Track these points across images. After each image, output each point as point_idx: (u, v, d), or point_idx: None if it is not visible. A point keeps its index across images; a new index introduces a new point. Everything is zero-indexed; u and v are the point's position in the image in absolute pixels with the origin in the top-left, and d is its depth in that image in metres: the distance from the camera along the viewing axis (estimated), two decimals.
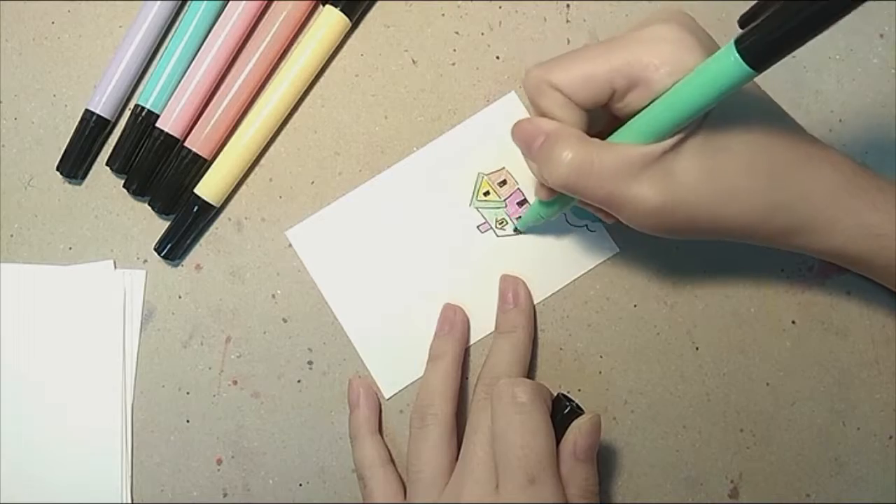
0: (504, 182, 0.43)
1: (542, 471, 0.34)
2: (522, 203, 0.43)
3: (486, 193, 0.43)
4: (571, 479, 0.36)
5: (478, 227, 0.43)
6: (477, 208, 0.43)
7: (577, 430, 0.36)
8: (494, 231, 0.43)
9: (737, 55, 0.28)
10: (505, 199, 0.43)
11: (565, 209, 0.39)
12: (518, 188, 0.43)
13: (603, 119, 0.36)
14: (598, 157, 0.33)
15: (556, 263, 0.43)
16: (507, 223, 0.43)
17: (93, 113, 0.43)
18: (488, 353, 0.41)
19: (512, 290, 0.42)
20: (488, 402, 0.37)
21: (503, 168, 0.43)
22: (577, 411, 0.37)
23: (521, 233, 0.43)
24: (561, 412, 0.37)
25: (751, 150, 0.34)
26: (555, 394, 0.38)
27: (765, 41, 0.27)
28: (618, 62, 0.33)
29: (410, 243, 0.43)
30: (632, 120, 0.33)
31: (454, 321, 0.42)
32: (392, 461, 0.41)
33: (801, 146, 0.35)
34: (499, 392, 0.36)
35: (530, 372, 0.42)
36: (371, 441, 0.41)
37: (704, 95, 0.30)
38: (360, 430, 0.41)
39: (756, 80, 0.43)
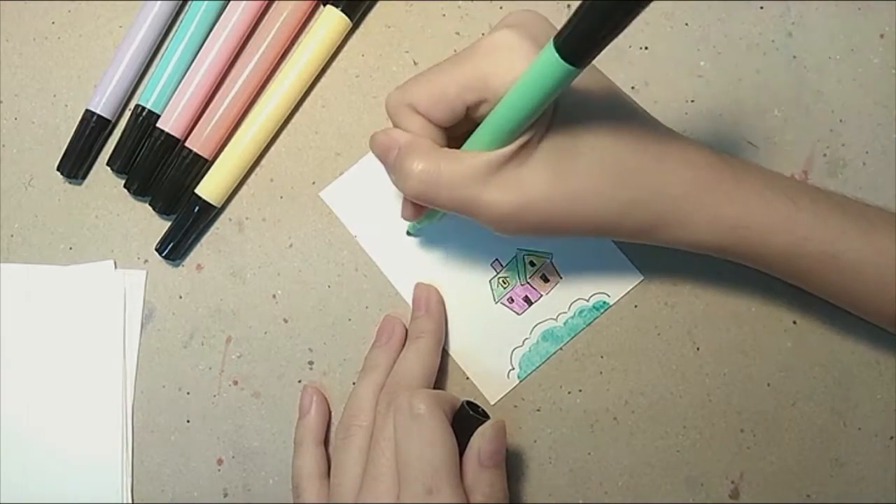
0: None
1: (439, 481, 0.34)
2: None
3: None
4: (477, 486, 0.35)
5: None
6: None
7: (480, 437, 0.36)
8: None
9: (555, 52, 0.28)
10: None
11: (438, 219, 0.40)
12: None
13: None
14: (446, 166, 0.33)
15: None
16: None
17: (93, 113, 0.43)
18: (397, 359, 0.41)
19: (424, 298, 0.42)
20: (391, 412, 0.37)
21: None
22: (481, 418, 0.37)
23: (413, 235, 0.43)
24: (465, 420, 0.37)
25: (599, 153, 0.34)
26: (460, 402, 0.38)
27: (578, 36, 0.27)
28: (464, 77, 0.33)
29: None
30: (477, 128, 0.34)
31: (392, 331, 0.42)
32: (328, 476, 0.40)
33: (653, 144, 0.35)
34: (398, 404, 0.36)
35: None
36: (314, 452, 0.41)
37: (532, 96, 0.30)
38: (306, 438, 0.41)
39: (754, 77, 0.43)
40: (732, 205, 0.35)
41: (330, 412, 0.42)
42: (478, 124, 0.34)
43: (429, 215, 0.39)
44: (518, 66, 0.31)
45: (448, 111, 0.33)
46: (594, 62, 0.28)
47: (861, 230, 0.35)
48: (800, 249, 0.35)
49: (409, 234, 0.43)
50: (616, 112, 0.35)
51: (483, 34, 0.43)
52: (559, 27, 0.28)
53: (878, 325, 0.38)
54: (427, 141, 0.34)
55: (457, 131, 0.35)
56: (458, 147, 0.34)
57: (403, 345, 0.41)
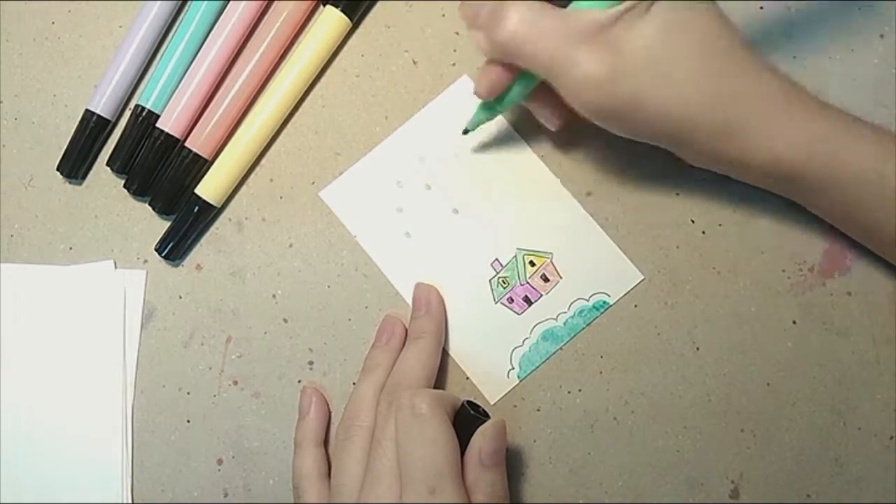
0: None
1: (441, 480, 0.34)
2: None
3: None
4: (478, 486, 0.35)
5: None
6: None
7: (481, 437, 0.36)
8: None
9: None
10: None
11: (507, 106, 0.39)
12: None
13: None
14: (545, 18, 0.33)
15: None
16: None
17: (93, 113, 0.43)
18: (397, 359, 0.40)
19: (424, 298, 0.42)
20: (392, 412, 0.37)
21: None
22: (481, 418, 0.37)
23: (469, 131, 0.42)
24: (465, 420, 0.37)
25: (699, 39, 0.34)
26: (460, 402, 0.38)
27: None
28: None
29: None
30: None
31: (392, 331, 0.42)
32: (328, 476, 0.40)
33: (747, 51, 0.35)
34: (399, 403, 0.36)
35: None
36: (314, 452, 0.41)
37: None
38: (306, 439, 0.41)
39: None
40: (814, 119, 0.35)
41: (330, 413, 0.42)
42: None
43: (501, 100, 0.38)
44: None
45: None
46: None
47: None
48: (869, 174, 0.35)
49: (466, 131, 0.41)
50: (716, 12, 0.35)
51: None
52: None
53: None
54: None
55: None
56: None
57: (403, 345, 0.41)
